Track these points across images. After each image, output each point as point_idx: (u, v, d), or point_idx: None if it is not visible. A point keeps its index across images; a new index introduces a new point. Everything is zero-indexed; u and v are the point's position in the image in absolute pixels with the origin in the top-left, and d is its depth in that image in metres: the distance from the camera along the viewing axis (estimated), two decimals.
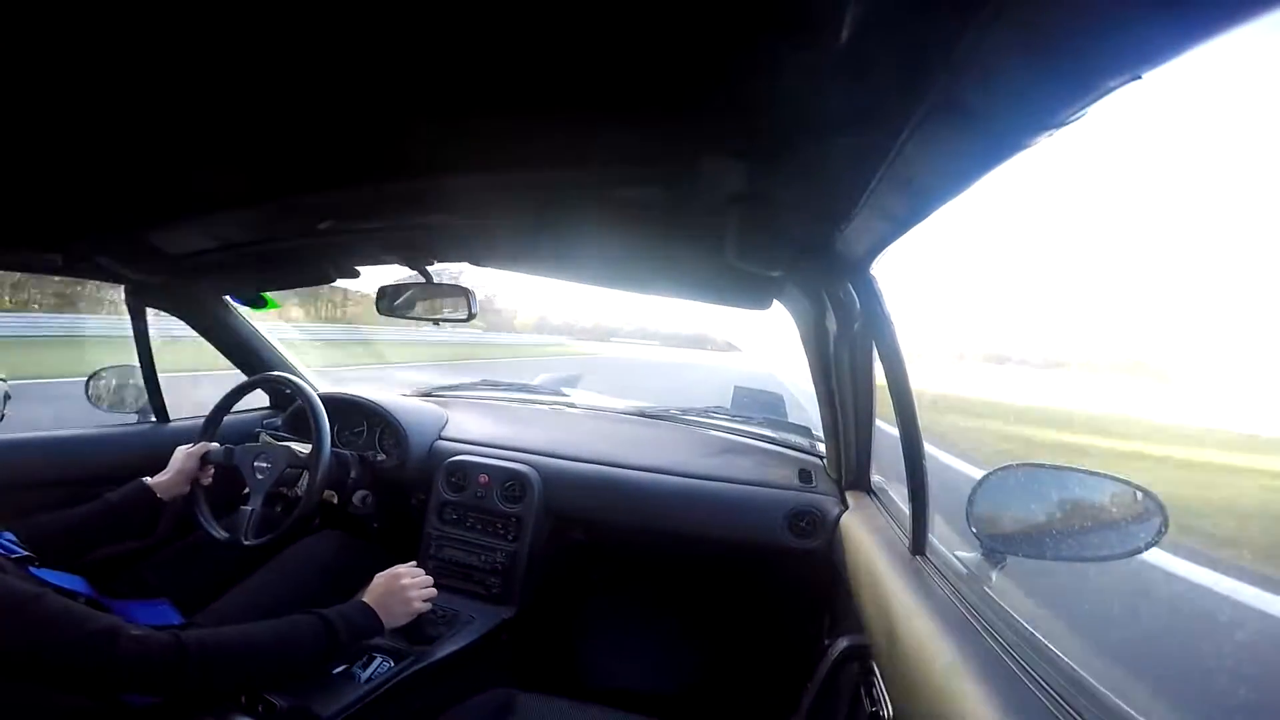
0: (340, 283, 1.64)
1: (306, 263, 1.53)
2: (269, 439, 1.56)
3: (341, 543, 1.71)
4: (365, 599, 1.22)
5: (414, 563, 1.35)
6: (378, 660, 1.29)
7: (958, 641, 0.77)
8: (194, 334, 1.89)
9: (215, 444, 1.51)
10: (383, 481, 1.82)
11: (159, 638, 0.90)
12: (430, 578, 1.35)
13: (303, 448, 1.63)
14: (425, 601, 1.30)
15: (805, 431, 1.95)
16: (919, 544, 1.06)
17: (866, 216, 0.84)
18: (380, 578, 1.28)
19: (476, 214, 1.21)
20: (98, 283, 1.80)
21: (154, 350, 1.78)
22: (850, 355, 1.24)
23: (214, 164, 1.00)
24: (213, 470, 1.50)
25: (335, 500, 1.70)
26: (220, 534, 1.49)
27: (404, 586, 1.28)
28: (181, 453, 1.45)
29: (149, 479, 1.38)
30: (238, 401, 1.72)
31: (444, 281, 1.56)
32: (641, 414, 2.12)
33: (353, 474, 1.77)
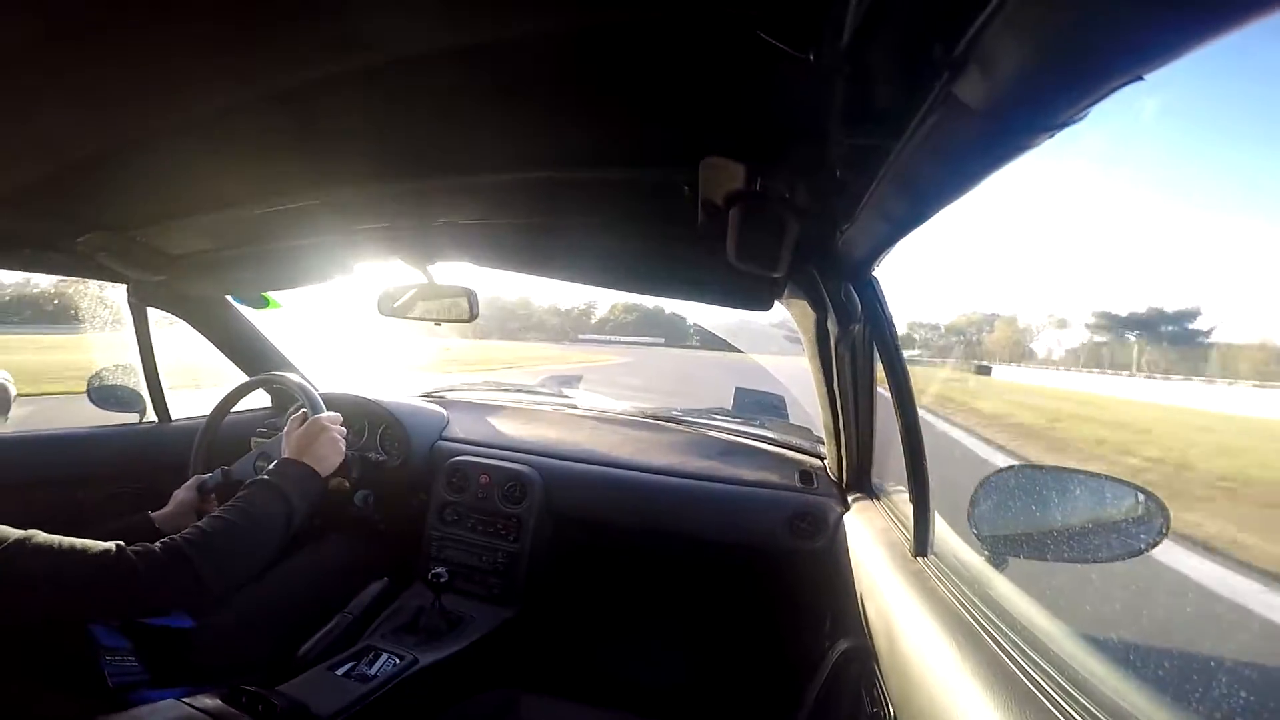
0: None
1: (308, 262, 1.53)
2: (261, 440, 1.55)
3: (348, 546, 1.71)
4: (286, 454, 1.21)
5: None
6: (380, 660, 1.29)
7: (959, 643, 0.77)
8: None
9: (206, 475, 1.44)
10: (384, 482, 1.82)
11: (153, 545, 0.91)
12: (337, 414, 1.36)
13: None
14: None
15: (806, 433, 1.95)
16: (921, 545, 1.06)
17: (868, 218, 0.84)
18: (294, 432, 1.28)
19: (478, 214, 1.21)
20: None
21: None
22: (851, 357, 1.24)
23: (216, 164, 1.00)
24: (214, 497, 1.42)
25: (346, 485, 1.71)
26: None
27: (323, 429, 1.27)
28: (180, 491, 1.39)
29: (153, 514, 1.32)
30: (239, 401, 1.72)
31: (445, 282, 1.56)
32: (643, 415, 2.12)
33: (354, 474, 1.77)
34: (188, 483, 1.43)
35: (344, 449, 1.30)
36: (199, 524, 0.98)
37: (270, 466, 1.17)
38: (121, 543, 0.89)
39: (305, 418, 1.34)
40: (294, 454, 1.21)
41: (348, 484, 1.71)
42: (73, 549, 0.85)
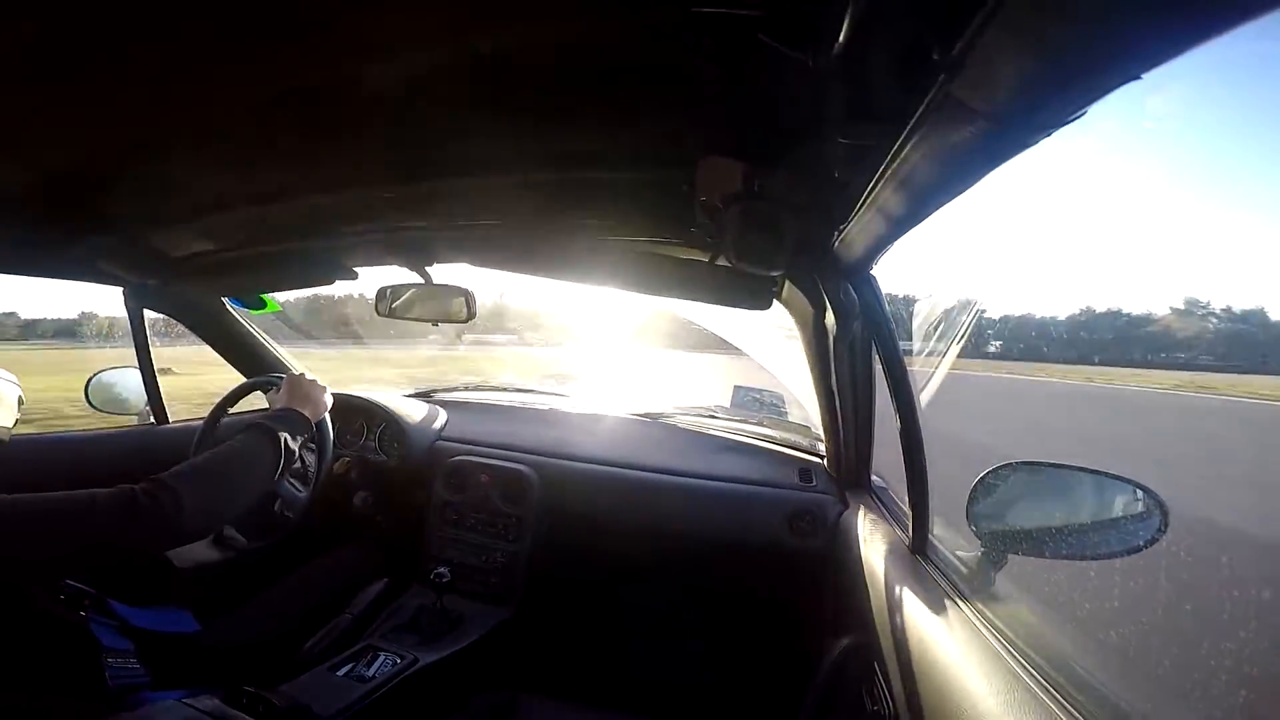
0: None
1: (306, 265, 1.53)
2: None
3: (348, 547, 1.71)
4: (278, 405, 1.25)
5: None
6: (380, 659, 1.29)
7: (959, 640, 0.78)
8: None
9: None
10: (383, 482, 1.82)
11: (125, 486, 0.88)
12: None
13: None
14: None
15: (805, 431, 1.95)
16: (919, 543, 1.06)
17: (866, 217, 0.85)
18: (283, 386, 1.32)
19: (476, 216, 1.21)
20: None
21: None
22: (850, 355, 1.24)
23: (215, 167, 1.00)
24: None
25: (349, 460, 1.71)
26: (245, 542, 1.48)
27: (301, 378, 1.33)
28: None
29: None
30: (237, 403, 1.72)
31: (443, 282, 1.56)
32: (642, 414, 2.12)
33: (353, 475, 1.77)
34: None
35: (328, 389, 1.35)
36: (187, 461, 0.98)
37: (271, 413, 1.20)
38: (94, 490, 0.85)
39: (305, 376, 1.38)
40: (289, 402, 1.25)
41: (349, 463, 1.72)
42: (52, 496, 0.82)
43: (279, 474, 1.12)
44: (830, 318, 1.20)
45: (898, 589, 0.98)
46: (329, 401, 1.35)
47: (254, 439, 1.10)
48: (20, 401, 1.33)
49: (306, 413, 1.25)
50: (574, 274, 1.36)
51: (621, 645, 1.93)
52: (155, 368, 1.83)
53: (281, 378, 1.65)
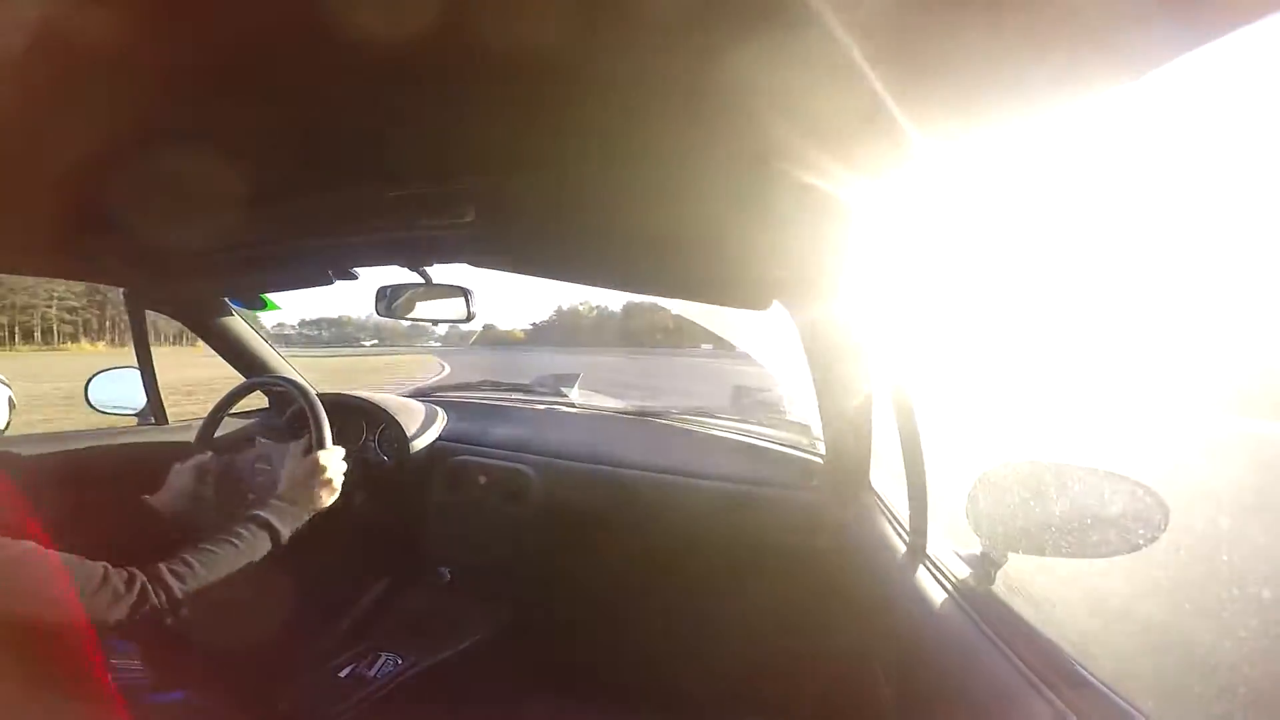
0: None
1: (306, 265, 1.54)
2: (264, 441, 1.56)
3: (349, 548, 1.71)
4: (284, 484, 1.27)
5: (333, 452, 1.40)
6: (381, 660, 1.29)
7: (958, 639, 0.78)
8: None
9: (207, 456, 1.46)
10: (383, 483, 1.82)
11: (140, 574, 0.97)
12: (340, 450, 1.40)
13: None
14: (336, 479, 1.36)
15: (805, 430, 1.95)
16: (919, 542, 1.06)
17: (866, 215, 0.85)
18: (294, 471, 1.32)
19: (476, 216, 1.21)
20: None
21: None
22: (849, 354, 1.24)
23: (215, 166, 1.00)
24: (211, 480, 1.44)
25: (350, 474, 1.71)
26: None
27: (323, 471, 1.32)
28: (177, 469, 1.41)
29: (148, 497, 1.34)
30: (237, 403, 1.72)
31: (442, 282, 1.56)
32: (641, 413, 2.12)
33: (350, 475, 1.77)
34: (187, 464, 1.42)
35: (338, 490, 1.35)
36: (187, 556, 1.03)
37: (265, 507, 1.20)
38: (108, 565, 0.94)
39: (308, 449, 1.37)
40: (289, 489, 1.25)
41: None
42: (64, 566, 0.90)
43: None
44: (830, 317, 1.20)
45: (897, 588, 0.98)
46: (334, 498, 1.35)
47: (258, 541, 1.13)
48: (11, 404, 1.32)
49: (310, 510, 1.26)
50: (573, 274, 1.36)
51: (621, 645, 1.93)
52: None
53: (284, 380, 1.65)
